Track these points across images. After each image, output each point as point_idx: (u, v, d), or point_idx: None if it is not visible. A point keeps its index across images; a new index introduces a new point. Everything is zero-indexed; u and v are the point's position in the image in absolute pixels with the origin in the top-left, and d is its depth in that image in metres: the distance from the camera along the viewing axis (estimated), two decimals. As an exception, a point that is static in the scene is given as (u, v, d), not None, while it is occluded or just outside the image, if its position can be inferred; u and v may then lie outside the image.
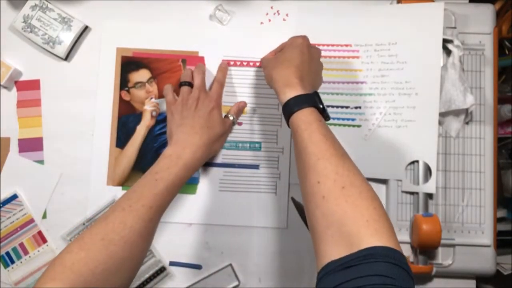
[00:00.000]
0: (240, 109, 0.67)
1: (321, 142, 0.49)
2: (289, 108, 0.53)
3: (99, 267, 0.47)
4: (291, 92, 0.54)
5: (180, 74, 0.68)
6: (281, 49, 0.65)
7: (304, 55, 0.58)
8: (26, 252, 0.68)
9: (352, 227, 0.42)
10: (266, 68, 0.61)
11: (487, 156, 0.66)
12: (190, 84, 0.64)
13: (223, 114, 0.66)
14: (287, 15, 0.70)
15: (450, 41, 0.65)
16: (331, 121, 0.67)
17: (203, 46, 0.69)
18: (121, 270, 0.49)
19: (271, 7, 0.70)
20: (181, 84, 0.64)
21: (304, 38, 0.61)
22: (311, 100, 0.53)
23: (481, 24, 0.67)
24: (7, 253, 0.67)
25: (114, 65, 0.68)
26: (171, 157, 0.57)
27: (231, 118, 0.66)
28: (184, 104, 0.62)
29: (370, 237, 0.40)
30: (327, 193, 0.45)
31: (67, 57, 0.69)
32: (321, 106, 0.53)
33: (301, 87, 0.54)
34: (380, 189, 0.67)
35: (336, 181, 0.45)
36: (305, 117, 0.51)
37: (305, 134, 0.50)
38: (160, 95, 0.68)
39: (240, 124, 0.69)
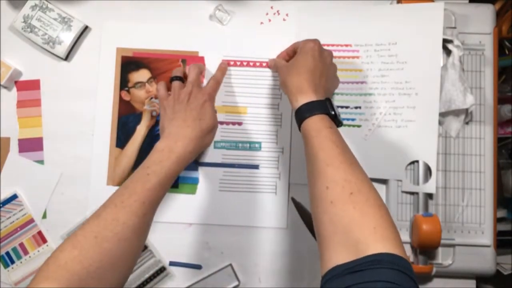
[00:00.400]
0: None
1: (331, 149, 0.49)
2: (301, 115, 0.54)
3: (93, 265, 0.46)
4: (303, 98, 0.54)
5: (180, 74, 0.68)
6: (292, 49, 0.65)
7: (316, 59, 0.58)
8: (26, 252, 0.68)
9: (359, 233, 0.42)
10: (280, 74, 0.62)
11: (487, 156, 0.66)
12: (181, 79, 0.64)
13: None
14: (287, 15, 0.70)
15: (450, 41, 0.65)
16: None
17: (203, 46, 0.69)
18: (115, 267, 0.49)
19: (271, 7, 0.70)
20: (172, 79, 0.64)
21: (316, 42, 0.60)
22: (323, 106, 0.54)
23: (481, 24, 0.67)
24: (7, 253, 0.67)
25: (114, 65, 0.68)
26: (163, 151, 0.56)
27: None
28: (176, 98, 0.62)
29: (376, 243, 0.41)
30: (335, 199, 0.45)
31: (67, 57, 0.69)
32: (332, 113, 0.54)
33: (313, 93, 0.55)
34: (380, 189, 0.67)
35: (345, 187, 0.45)
36: (315, 123, 0.52)
37: (315, 141, 0.50)
38: (160, 95, 0.68)
39: (240, 124, 0.69)
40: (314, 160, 0.49)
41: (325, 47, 0.67)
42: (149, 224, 0.54)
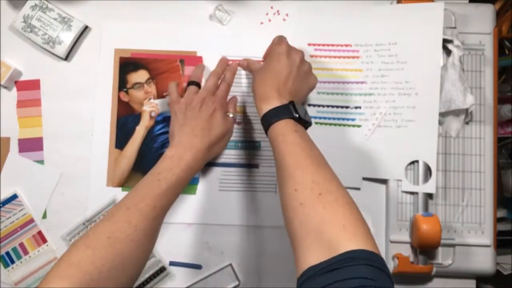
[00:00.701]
0: (235, 104, 0.67)
1: (297, 153, 0.50)
2: (267, 122, 0.55)
3: (106, 265, 0.47)
4: (267, 105, 0.55)
5: (179, 74, 0.68)
6: (267, 53, 0.65)
7: (282, 64, 0.59)
8: (26, 252, 0.68)
9: (330, 233, 0.42)
10: (252, 82, 0.62)
11: (487, 156, 0.66)
12: (198, 85, 0.64)
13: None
14: (287, 15, 0.70)
15: (450, 41, 0.65)
16: (331, 121, 0.67)
17: (202, 46, 0.69)
18: (127, 268, 0.49)
19: (271, 7, 0.70)
20: (189, 84, 0.64)
21: (282, 44, 0.61)
22: (286, 111, 0.54)
23: (481, 24, 0.67)
24: (7, 253, 0.67)
25: (112, 66, 0.68)
26: (173, 158, 0.57)
27: (231, 115, 0.65)
28: (188, 103, 0.61)
29: (348, 241, 0.41)
30: (304, 200, 0.46)
31: (67, 57, 0.69)
32: (296, 115, 0.54)
33: (277, 99, 0.55)
34: (380, 189, 0.67)
35: (313, 189, 0.46)
36: (281, 128, 0.53)
37: (282, 146, 0.51)
38: (159, 96, 0.68)
39: (239, 123, 0.69)
40: (282, 165, 0.50)
41: (325, 47, 0.67)
42: (159, 228, 0.55)
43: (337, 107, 0.67)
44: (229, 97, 0.67)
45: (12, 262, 0.67)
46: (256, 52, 0.69)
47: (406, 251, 0.65)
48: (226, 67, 0.67)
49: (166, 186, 0.54)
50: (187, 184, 0.58)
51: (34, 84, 0.69)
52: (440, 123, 0.66)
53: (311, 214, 0.45)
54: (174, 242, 0.67)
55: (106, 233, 0.49)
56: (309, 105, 0.67)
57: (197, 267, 0.67)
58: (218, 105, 0.62)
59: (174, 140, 0.59)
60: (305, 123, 0.55)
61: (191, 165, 0.57)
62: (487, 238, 0.65)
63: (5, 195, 0.68)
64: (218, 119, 0.62)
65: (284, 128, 0.53)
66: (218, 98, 0.63)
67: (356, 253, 0.40)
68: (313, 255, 0.42)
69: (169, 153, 0.58)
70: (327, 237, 0.42)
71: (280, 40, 0.62)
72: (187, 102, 0.62)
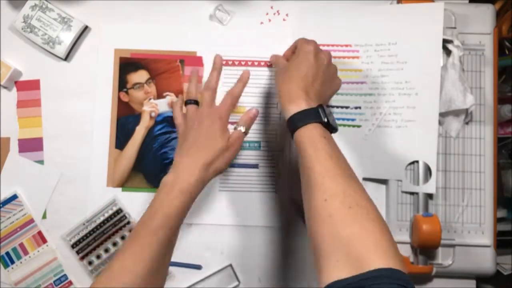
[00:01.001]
0: (251, 118, 0.62)
1: (326, 161, 0.48)
2: (293, 125, 0.52)
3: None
4: (294, 108, 0.53)
5: (179, 74, 0.68)
6: (295, 46, 0.62)
7: (310, 64, 0.56)
8: (26, 252, 0.68)
9: (360, 248, 0.41)
10: (276, 80, 0.60)
11: (487, 156, 0.66)
12: (196, 102, 0.62)
13: (233, 127, 0.61)
14: (287, 15, 0.70)
15: (450, 41, 0.65)
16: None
17: (202, 46, 0.69)
18: None
19: (271, 7, 0.70)
20: (186, 103, 0.62)
21: (311, 44, 0.58)
22: (315, 114, 0.52)
23: (481, 24, 0.67)
24: (7, 253, 0.67)
25: (112, 66, 0.68)
26: (166, 186, 0.54)
27: (242, 130, 0.60)
28: (187, 124, 0.60)
29: (378, 258, 0.40)
30: (334, 212, 0.44)
31: (67, 57, 0.69)
32: (325, 120, 0.52)
33: (304, 101, 0.53)
34: (380, 189, 0.67)
35: (344, 201, 0.45)
36: (309, 133, 0.51)
37: (310, 151, 0.49)
38: (159, 96, 0.68)
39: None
40: (310, 172, 0.48)
41: (325, 47, 0.67)
42: (159, 268, 0.53)
43: (337, 107, 0.67)
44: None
45: (12, 262, 0.67)
46: (256, 52, 0.69)
47: (406, 251, 0.65)
48: (221, 68, 0.64)
49: (160, 221, 0.52)
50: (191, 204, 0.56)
51: (34, 84, 0.69)
52: (440, 123, 0.66)
53: (341, 227, 0.43)
54: (174, 242, 0.67)
55: (102, 283, 0.49)
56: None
57: (197, 267, 0.67)
58: (217, 117, 0.59)
59: (172, 164, 0.57)
60: (332, 129, 0.53)
61: (185, 189, 0.54)
62: (487, 238, 0.65)
63: (5, 195, 0.68)
64: (214, 133, 0.58)
65: (312, 132, 0.51)
66: (218, 111, 0.60)
67: (383, 271, 0.39)
68: (339, 269, 0.41)
69: (165, 179, 0.55)
70: (357, 252, 0.41)
71: (308, 40, 0.60)
72: (186, 123, 0.60)
